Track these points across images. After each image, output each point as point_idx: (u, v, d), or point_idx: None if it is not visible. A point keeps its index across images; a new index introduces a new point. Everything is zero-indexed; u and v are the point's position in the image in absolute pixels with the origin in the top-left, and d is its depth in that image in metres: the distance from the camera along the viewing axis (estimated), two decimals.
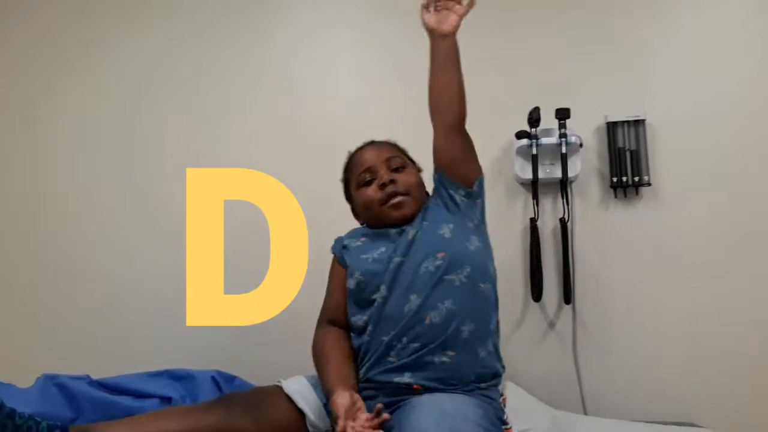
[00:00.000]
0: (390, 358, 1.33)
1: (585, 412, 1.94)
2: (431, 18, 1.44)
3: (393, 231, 1.48)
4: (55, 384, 1.64)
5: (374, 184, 1.50)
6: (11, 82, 2.41)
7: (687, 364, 1.94)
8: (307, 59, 2.28)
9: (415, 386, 1.29)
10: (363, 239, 1.53)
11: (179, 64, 2.34)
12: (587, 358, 1.99)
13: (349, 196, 1.62)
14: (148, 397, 1.65)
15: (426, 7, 1.45)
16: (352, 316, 1.45)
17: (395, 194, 1.47)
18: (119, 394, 1.65)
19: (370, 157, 1.53)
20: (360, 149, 1.59)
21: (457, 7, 1.44)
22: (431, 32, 1.45)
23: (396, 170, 1.52)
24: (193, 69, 2.33)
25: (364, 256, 1.46)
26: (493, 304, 1.44)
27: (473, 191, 1.50)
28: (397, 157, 1.54)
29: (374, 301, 1.38)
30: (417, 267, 1.37)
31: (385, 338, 1.33)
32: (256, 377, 1.77)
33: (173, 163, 2.26)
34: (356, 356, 1.42)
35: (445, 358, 1.31)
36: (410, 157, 1.61)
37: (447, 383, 1.30)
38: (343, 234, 1.61)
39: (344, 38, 2.29)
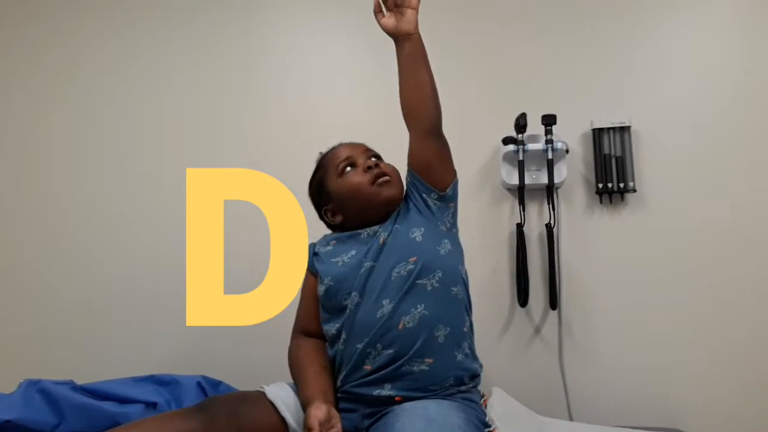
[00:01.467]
0: (365, 366, 1.32)
1: (570, 418, 1.94)
2: (389, 21, 1.41)
3: (365, 233, 1.46)
4: (37, 389, 1.62)
5: (358, 169, 1.49)
6: (5, 81, 2.39)
7: (673, 370, 1.95)
8: (301, 60, 2.28)
9: (396, 398, 1.29)
10: (333, 243, 1.50)
11: (173, 65, 2.33)
12: (573, 363, 2.00)
13: (320, 197, 1.56)
14: (133, 403, 1.64)
15: (378, 11, 1.43)
16: (325, 324, 1.43)
17: (383, 173, 1.47)
18: (103, 400, 1.64)
19: (347, 150, 1.53)
20: (332, 148, 1.59)
21: (408, 1, 1.40)
22: (393, 35, 1.42)
23: (374, 158, 1.53)
24: (188, 69, 2.32)
25: (335, 260, 1.44)
26: (466, 306, 1.43)
27: (447, 195, 1.48)
28: (373, 151, 1.55)
29: (346, 307, 1.37)
30: (389, 272, 1.35)
31: (359, 345, 1.32)
32: (242, 382, 1.76)
33: (169, 163, 2.26)
34: (332, 366, 1.41)
35: (424, 366, 1.30)
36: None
37: (427, 390, 1.30)
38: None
39: (338, 39, 2.29)
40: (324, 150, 1.61)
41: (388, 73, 2.17)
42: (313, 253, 1.52)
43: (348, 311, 1.36)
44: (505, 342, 2.03)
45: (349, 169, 1.50)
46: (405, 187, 1.52)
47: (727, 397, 1.91)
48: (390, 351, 1.30)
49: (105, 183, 2.28)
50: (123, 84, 2.34)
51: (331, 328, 1.41)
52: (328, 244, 1.51)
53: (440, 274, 1.36)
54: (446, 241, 1.43)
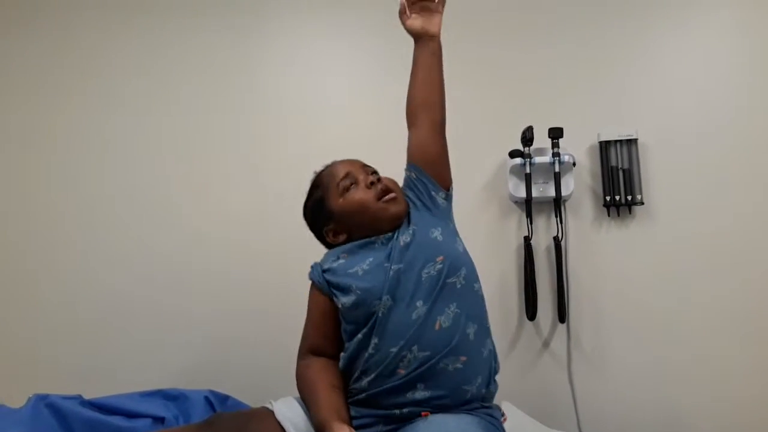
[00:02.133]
0: (399, 370, 1.28)
1: (580, 430, 1.93)
2: (416, 22, 1.49)
3: (378, 241, 1.43)
4: (46, 404, 1.62)
5: (361, 186, 1.45)
6: (11, 87, 2.41)
7: (683, 381, 1.94)
8: (303, 66, 2.29)
9: (423, 413, 1.26)
10: (344, 255, 1.45)
11: (176, 71, 2.35)
12: (582, 376, 1.99)
13: (319, 218, 1.52)
14: (141, 417, 1.64)
15: (404, 13, 1.50)
16: (350, 335, 1.38)
17: (388, 190, 1.44)
18: (111, 415, 1.64)
19: (344, 167, 1.49)
20: (327, 166, 1.55)
21: (434, 5, 1.49)
22: (418, 35, 1.50)
23: (373, 174, 1.49)
24: (190, 75, 2.34)
25: (352, 270, 1.40)
26: (484, 302, 1.43)
27: (450, 195, 1.51)
28: (370, 167, 1.51)
29: (374, 313, 1.33)
30: (418, 273, 1.33)
31: (393, 349, 1.28)
32: (250, 396, 1.76)
33: (169, 173, 2.28)
34: (350, 377, 1.38)
35: (458, 365, 1.28)
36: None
37: (459, 391, 1.28)
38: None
39: (340, 45, 2.31)
40: (318, 169, 1.57)
41: (390, 78, 2.21)
42: (322, 271, 1.46)
43: (379, 316, 1.32)
44: (513, 356, 2.02)
45: (351, 186, 1.46)
46: (409, 188, 1.50)
47: (739, 412, 1.90)
48: (426, 353, 1.27)
49: (110, 190, 2.30)
50: (127, 88, 2.36)
51: (355, 338, 1.36)
52: (338, 258, 1.46)
53: (464, 272, 1.36)
54: (458, 239, 1.45)
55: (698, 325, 1.96)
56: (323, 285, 1.44)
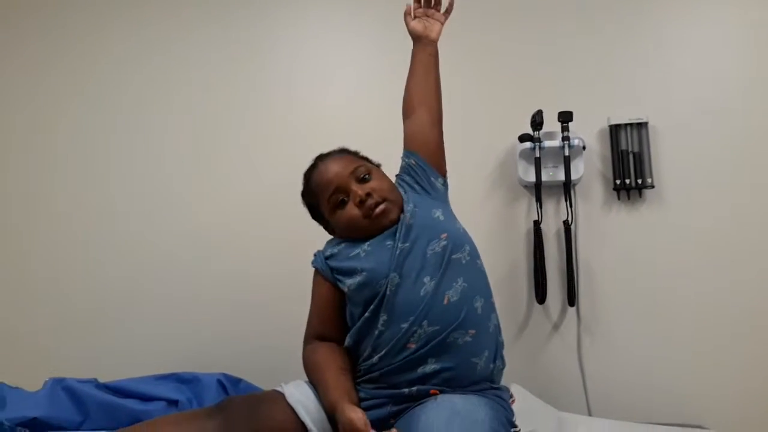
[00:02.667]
0: (409, 345, 1.29)
1: (590, 414, 1.94)
2: (418, 25, 1.64)
3: None
4: (62, 387, 1.65)
5: (350, 203, 1.43)
6: (13, 84, 2.43)
7: (692, 365, 1.94)
8: (308, 62, 2.29)
9: (431, 391, 1.27)
10: (343, 243, 1.48)
11: (181, 69, 2.35)
12: (591, 359, 1.99)
13: (318, 217, 1.56)
14: (155, 400, 1.66)
15: (408, 14, 1.65)
16: (357, 316, 1.40)
17: (376, 205, 1.41)
18: (126, 397, 1.67)
19: (333, 174, 1.45)
20: (315, 169, 1.51)
21: (438, 15, 1.66)
22: (418, 38, 1.64)
23: (364, 179, 1.45)
24: (195, 72, 2.34)
25: (354, 253, 1.42)
26: (487, 278, 1.45)
27: (446, 182, 1.58)
28: (361, 166, 1.47)
29: (380, 291, 1.34)
30: (423, 250, 1.36)
31: (404, 325, 1.30)
32: (261, 379, 1.78)
33: (176, 164, 2.29)
34: (358, 357, 1.39)
35: (468, 338, 1.30)
36: (367, 157, 1.56)
37: (468, 364, 1.30)
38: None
39: (345, 41, 2.30)
40: (308, 166, 1.55)
41: (393, 74, 2.21)
42: (325, 258, 1.48)
43: (387, 294, 1.33)
44: (523, 339, 2.03)
45: (341, 203, 1.45)
46: (407, 173, 1.54)
47: (748, 393, 1.90)
48: (436, 327, 1.29)
49: (119, 181, 2.31)
50: (132, 86, 2.36)
51: (363, 317, 1.37)
52: (339, 243, 1.49)
53: (468, 248, 1.40)
54: (457, 220, 1.49)
55: (709, 307, 1.95)
56: (326, 271, 1.46)
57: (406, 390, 1.29)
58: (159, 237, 2.25)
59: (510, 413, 1.34)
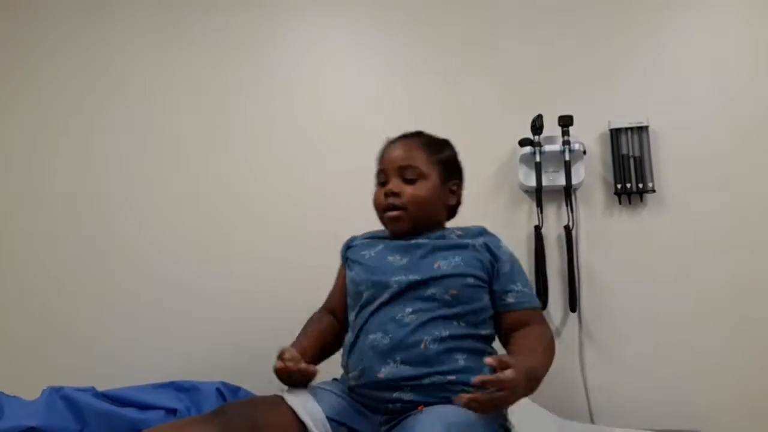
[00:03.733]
0: (380, 375, 1.33)
1: (592, 421, 1.93)
2: None
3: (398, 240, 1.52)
4: (60, 396, 1.64)
5: (381, 190, 1.52)
6: (13, 84, 2.43)
7: (695, 371, 1.93)
8: (309, 61, 2.29)
9: (419, 407, 1.27)
10: (369, 240, 1.58)
11: (180, 67, 2.35)
12: (594, 366, 1.98)
13: None
14: (154, 409, 1.65)
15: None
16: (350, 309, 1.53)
17: (394, 207, 1.48)
18: (124, 406, 1.65)
19: (388, 159, 1.53)
20: (390, 143, 1.58)
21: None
22: None
23: (408, 180, 1.50)
24: (196, 72, 2.34)
25: (365, 252, 1.53)
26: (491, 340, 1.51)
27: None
28: (414, 167, 1.50)
29: (361, 294, 1.46)
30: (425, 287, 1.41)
31: (372, 336, 1.38)
32: (261, 387, 1.77)
33: (175, 170, 2.28)
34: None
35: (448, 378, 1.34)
36: (444, 159, 1.56)
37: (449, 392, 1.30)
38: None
39: (346, 39, 2.30)
40: (388, 137, 1.62)
41: (394, 77, 2.22)
42: (348, 246, 1.62)
43: (366, 298, 1.44)
44: None
45: (379, 182, 1.55)
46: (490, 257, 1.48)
47: (750, 400, 1.89)
48: (408, 367, 1.32)
49: (118, 189, 2.31)
50: (130, 88, 2.36)
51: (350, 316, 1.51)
52: (364, 239, 1.62)
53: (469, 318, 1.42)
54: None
55: (711, 313, 1.94)
56: (342, 256, 1.63)
57: (390, 405, 1.31)
58: (158, 244, 2.24)
59: (503, 419, 1.36)
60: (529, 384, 1.19)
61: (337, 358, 1.52)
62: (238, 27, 2.34)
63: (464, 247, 1.45)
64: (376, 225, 1.60)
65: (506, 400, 1.12)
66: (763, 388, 1.89)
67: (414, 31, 2.24)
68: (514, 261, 1.50)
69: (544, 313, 2.00)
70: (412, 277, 1.38)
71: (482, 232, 1.54)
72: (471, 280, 1.40)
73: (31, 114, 2.40)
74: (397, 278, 1.39)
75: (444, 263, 1.41)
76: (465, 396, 1.09)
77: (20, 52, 2.43)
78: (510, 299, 1.44)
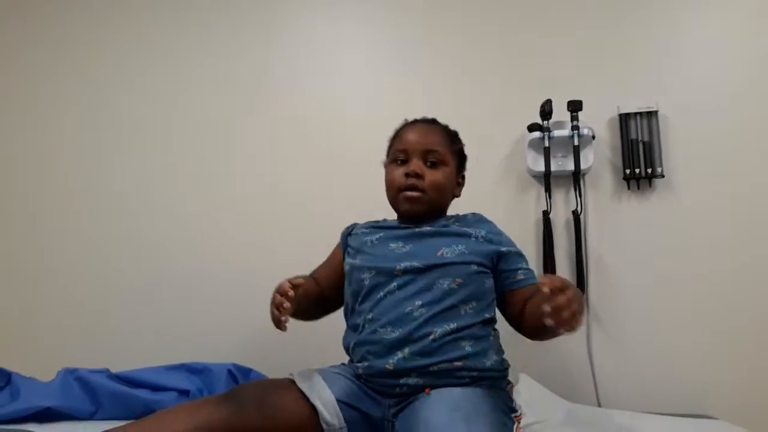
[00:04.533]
0: (388, 366, 1.36)
1: (599, 404, 1.94)
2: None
3: (399, 227, 1.54)
4: (75, 378, 1.68)
5: (402, 168, 1.52)
6: (14, 83, 2.45)
7: (702, 355, 1.94)
8: (312, 57, 2.29)
9: (426, 390, 1.29)
10: (370, 229, 1.58)
11: (183, 65, 2.36)
12: (601, 350, 1.99)
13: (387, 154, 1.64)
14: (166, 390, 1.68)
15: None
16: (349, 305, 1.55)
17: (414, 187, 1.49)
18: (138, 388, 1.69)
19: (413, 140, 1.53)
20: (411, 125, 1.59)
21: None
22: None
23: (430, 163, 1.52)
24: (200, 69, 2.35)
25: (366, 239, 1.55)
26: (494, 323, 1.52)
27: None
28: (438, 153, 1.52)
29: (362, 280, 1.48)
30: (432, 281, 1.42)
31: (379, 326, 1.39)
32: (272, 369, 1.79)
33: (179, 162, 2.31)
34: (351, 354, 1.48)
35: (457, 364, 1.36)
36: (458, 150, 1.60)
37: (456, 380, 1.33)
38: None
39: (352, 32, 2.29)
40: (407, 118, 1.64)
41: (404, 67, 2.22)
42: (349, 233, 1.64)
43: (366, 284, 1.48)
44: None
45: (398, 161, 1.54)
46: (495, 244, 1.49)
47: (756, 383, 1.89)
48: (417, 358, 1.34)
49: (119, 179, 2.34)
50: (134, 84, 2.38)
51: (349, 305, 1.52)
52: (366, 227, 1.62)
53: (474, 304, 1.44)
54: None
55: (719, 298, 1.94)
56: (343, 241, 1.64)
57: (397, 389, 1.33)
58: (168, 230, 2.26)
59: (509, 400, 1.35)
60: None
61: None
62: (242, 22, 2.34)
63: (467, 236, 1.47)
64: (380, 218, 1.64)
65: (581, 309, 1.10)
66: None
67: (422, 20, 2.23)
68: (514, 244, 1.53)
69: None
70: (416, 264, 1.40)
71: (480, 220, 1.57)
72: (475, 267, 1.42)
73: (31, 111, 2.42)
74: (402, 265, 1.41)
75: (448, 251, 1.42)
76: (547, 312, 1.07)
77: (20, 50, 2.46)
78: (520, 276, 1.47)
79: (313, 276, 1.66)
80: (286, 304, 1.32)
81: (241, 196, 2.25)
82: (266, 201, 2.23)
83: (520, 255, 1.51)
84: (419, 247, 1.44)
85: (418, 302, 1.36)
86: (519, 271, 1.47)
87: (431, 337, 1.32)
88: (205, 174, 2.28)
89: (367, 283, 1.44)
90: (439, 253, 1.41)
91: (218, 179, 2.28)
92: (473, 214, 1.59)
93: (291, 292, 1.32)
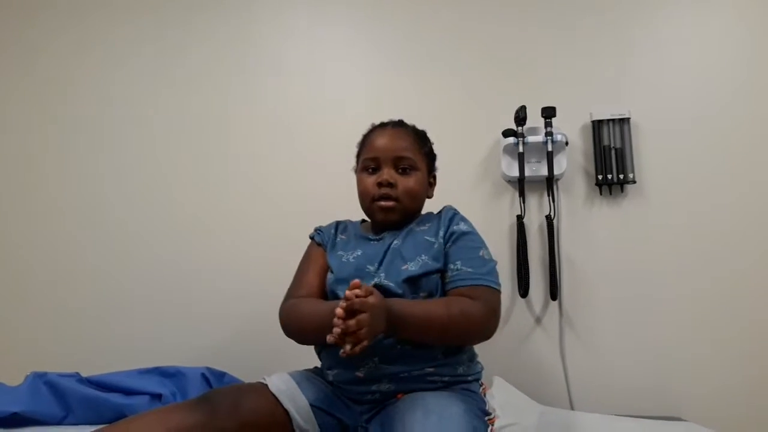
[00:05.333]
0: (357, 374, 1.33)
1: (572, 407, 1.96)
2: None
3: (373, 239, 1.51)
4: (44, 382, 1.65)
5: (374, 177, 1.49)
6: (10, 82, 2.42)
7: (673, 359, 1.96)
8: (297, 55, 2.29)
9: (398, 395, 1.29)
10: (343, 237, 1.55)
11: (170, 62, 2.35)
12: (573, 353, 2.01)
13: (356, 161, 1.60)
14: (138, 394, 1.66)
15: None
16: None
17: (388, 197, 1.47)
18: (109, 392, 1.66)
19: (382, 147, 1.49)
20: (379, 130, 1.54)
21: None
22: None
23: (401, 170, 1.49)
24: (180, 69, 2.34)
25: (342, 252, 1.50)
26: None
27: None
28: (408, 159, 1.49)
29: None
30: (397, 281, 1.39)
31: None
32: (246, 373, 1.78)
33: (168, 161, 2.29)
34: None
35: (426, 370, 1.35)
36: (428, 151, 1.57)
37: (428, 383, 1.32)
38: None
39: (329, 34, 2.30)
40: (374, 122, 1.59)
41: (386, 67, 2.22)
42: (319, 231, 1.60)
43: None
44: (506, 332, 2.04)
45: (369, 169, 1.50)
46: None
47: (728, 387, 1.92)
48: (388, 365, 1.32)
49: (104, 182, 2.31)
50: (119, 82, 2.36)
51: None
52: (338, 233, 1.58)
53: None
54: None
55: (690, 303, 1.97)
56: (318, 241, 1.57)
57: (369, 396, 1.32)
58: (144, 232, 2.24)
59: (482, 403, 1.34)
60: (388, 317, 1.20)
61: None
62: (231, 22, 2.34)
63: (431, 245, 1.44)
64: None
65: (365, 321, 1.11)
66: (742, 376, 1.92)
67: (398, 25, 2.24)
68: (462, 237, 1.44)
69: (526, 301, 2.03)
70: (385, 282, 1.38)
71: (441, 217, 1.51)
72: (437, 276, 1.40)
73: (14, 113, 2.40)
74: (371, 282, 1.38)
75: (412, 264, 1.39)
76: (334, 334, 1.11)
77: (21, 51, 2.43)
78: (447, 278, 1.39)
79: (309, 290, 1.50)
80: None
81: (223, 200, 2.24)
82: (248, 204, 2.22)
83: (459, 251, 1.42)
84: (387, 264, 1.41)
85: None
86: (448, 272, 1.40)
87: (399, 345, 1.31)
88: (183, 175, 2.27)
89: (339, 295, 1.41)
90: (404, 267, 1.39)
91: (196, 180, 2.27)
92: (441, 212, 1.54)
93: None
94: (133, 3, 2.39)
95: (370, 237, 1.53)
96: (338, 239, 1.56)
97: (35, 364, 1.78)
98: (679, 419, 1.83)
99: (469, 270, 1.37)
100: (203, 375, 1.76)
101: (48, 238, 2.28)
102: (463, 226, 1.46)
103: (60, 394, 1.63)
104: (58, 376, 1.67)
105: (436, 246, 1.43)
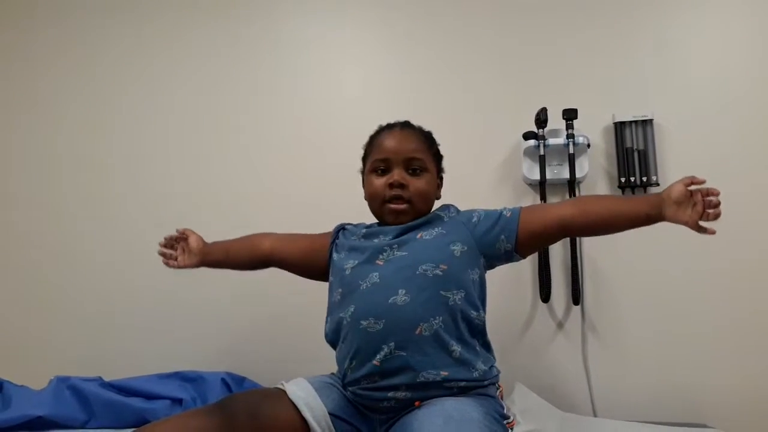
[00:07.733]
0: (374, 361, 1.31)
1: (594, 414, 1.94)
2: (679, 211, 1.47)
3: (383, 231, 1.48)
4: (67, 386, 1.67)
5: (385, 179, 1.47)
6: (15, 84, 2.46)
7: (697, 364, 1.93)
8: (311, 59, 2.29)
9: (416, 402, 1.27)
10: (360, 238, 1.52)
11: (181, 65, 2.37)
12: (596, 358, 1.99)
13: (363, 164, 1.59)
14: (159, 399, 1.67)
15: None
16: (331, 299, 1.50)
17: (400, 198, 1.45)
18: (131, 396, 1.68)
19: (392, 148, 1.47)
20: (388, 131, 1.52)
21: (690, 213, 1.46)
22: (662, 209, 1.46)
23: (412, 171, 1.48)
24: (195, 69, 2.36)
25: (350, 253, 1.48)
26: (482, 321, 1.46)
27: (510, 258, 1.47)
28: (419, 159, 1.48)
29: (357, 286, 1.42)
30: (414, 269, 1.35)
31: (364, 323, 1.34)
32: (266, 377, 1.79)
33: (176, 163, 2.31)
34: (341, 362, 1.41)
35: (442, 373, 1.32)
36: (436, 152, 1.55)
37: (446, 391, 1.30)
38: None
39: (349, 36, 2.30)
40: (381, 123, 1.58)
41: (399, 70, 2.22)
42: (342, 229, 1.60)
43: (361, 289, 1.39)
44: (527, 338, 2.02)
45: (380, 171, 1.49)
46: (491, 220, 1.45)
47: (754, 393, 1.89)
48: (402, 353, 1.29)
49: (118, 183, 2.34)
50: (134, 85, 2.39)
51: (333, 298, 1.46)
52: (358, 235, 1.54)
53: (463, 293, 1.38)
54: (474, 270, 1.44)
55: (716, 306, 1.94)
56: (333, 239, 1.58)
57: (385, 404, 1.30)
58: (160, 235, 2.26)
59: (500, 407, 1.33)
60: None
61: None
62: (241, 26, 2.35)
63: (440, 218, 1.45)
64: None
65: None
66: (765, 380, 1.88)
67: (419, 27, 2.24)
68: (481, 221, 1.45)
69: (547, 305, 2.02)
70: (399, 253, 1.37)
71: (446, 208, 1.52)
72: (459, 246, 1.38)
73: (29, 111, 2.43)
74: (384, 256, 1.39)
75: (425, 233, 1.40)
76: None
77: (18, 51, 2.47)
78: (503, 239, 1.41)
79: (275, 245, 1.67)
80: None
81: (234, 198, 2.25)
82: (260, 202, 2.22)
83: (487, 218, 1.45)
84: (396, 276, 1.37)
85: (402, 291, 1.31)
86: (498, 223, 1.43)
87: (417, 331, 1.28)
88: (196, 176, 2.29)
89: (349, 279, 1.41)
90: (418, 236, 1.40)
91: (211, 181, 2.28)
92: (444, 209, 1.52)
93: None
94: (145, 7, 2.42)
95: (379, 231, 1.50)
96: (353, 238, 1.54)
97: (59, 369, 1.80)
98: (704, 426, 1.80)
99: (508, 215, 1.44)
100: (223, 380, 1.77)
101: (72, 245, 2.31)
102: (466, 214, 1.49)
103: (83, 398, 1.65)
104: (81, 381, 1.69)
105: (448, 222, 1.45)
